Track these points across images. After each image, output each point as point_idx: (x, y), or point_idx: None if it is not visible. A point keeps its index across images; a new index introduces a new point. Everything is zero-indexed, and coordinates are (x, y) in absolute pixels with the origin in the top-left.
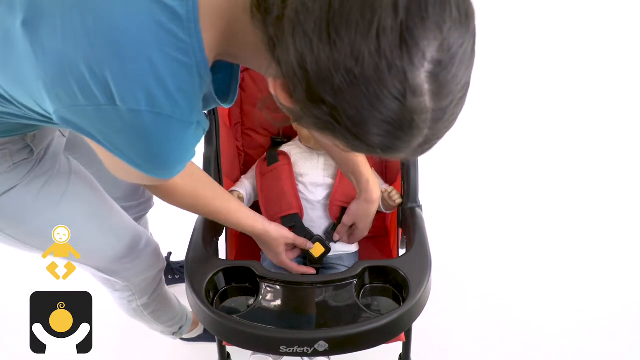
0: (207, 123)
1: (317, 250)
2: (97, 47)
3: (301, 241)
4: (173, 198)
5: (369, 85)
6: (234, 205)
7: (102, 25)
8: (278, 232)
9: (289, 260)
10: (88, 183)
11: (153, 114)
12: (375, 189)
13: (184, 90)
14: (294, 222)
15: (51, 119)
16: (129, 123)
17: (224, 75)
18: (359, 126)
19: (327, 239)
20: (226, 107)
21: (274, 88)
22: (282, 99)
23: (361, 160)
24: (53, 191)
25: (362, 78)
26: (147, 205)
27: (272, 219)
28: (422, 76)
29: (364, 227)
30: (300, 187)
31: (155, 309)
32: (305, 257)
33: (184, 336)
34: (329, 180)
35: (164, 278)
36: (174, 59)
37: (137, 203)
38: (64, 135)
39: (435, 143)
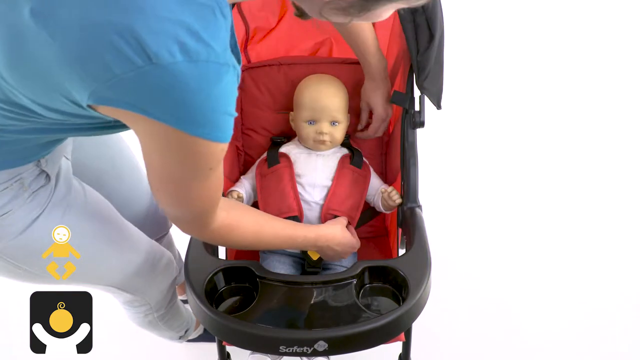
0: (239, 69)
1: (315, 252)
2: (118, 12)
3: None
4: (237, 233)
5: None
6: (289, 222)
7: None
8: (334, 221)
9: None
10: (102, 203)
11: (190, 62)
12: (379, 68)
13: (211, 32)
14: None
15: (70, 123)
16: (169, 79)
17: None
18: None
19: None
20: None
21: None
22: None
23: (370, 44)
24: (74, 218)
25: None
26: (162, 227)
27: None
28: None
29: (379, 102)
30: (298, 188)
31: (169, 317)
32: (303, 260)
33: None
34: (327, 182)
35: (175, 286)
36: (193, 2)
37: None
38: (67, 159)
39: None
